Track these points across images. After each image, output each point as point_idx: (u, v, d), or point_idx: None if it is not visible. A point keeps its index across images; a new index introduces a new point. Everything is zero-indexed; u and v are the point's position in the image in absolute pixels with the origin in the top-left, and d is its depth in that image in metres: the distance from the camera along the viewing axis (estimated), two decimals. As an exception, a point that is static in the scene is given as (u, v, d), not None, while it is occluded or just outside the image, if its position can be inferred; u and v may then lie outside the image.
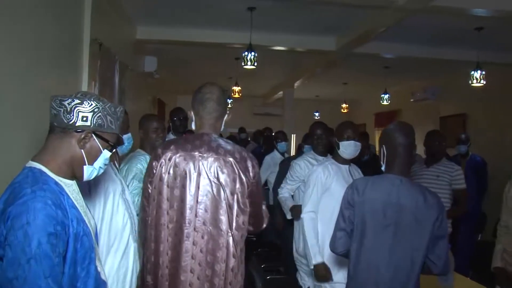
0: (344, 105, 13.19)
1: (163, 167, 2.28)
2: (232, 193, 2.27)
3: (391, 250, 2.53)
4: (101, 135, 1.73)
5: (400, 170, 2.54)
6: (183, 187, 2.26)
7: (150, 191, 2.33)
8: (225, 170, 2.27)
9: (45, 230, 1.49)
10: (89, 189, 2.50)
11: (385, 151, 2.58)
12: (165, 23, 6.96)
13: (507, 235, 3.44)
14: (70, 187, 1.72)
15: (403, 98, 11.26)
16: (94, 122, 1.69)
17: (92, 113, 1.68)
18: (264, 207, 2.47)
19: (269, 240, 6.17)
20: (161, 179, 2.28)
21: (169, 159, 2.28)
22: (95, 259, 1.74)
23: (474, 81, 6.75)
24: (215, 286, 2.20)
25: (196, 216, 2.24)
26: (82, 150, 1.71)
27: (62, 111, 1.66)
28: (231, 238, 2.24)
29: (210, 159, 2.28)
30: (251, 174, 2.33)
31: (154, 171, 2.31)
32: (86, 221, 1.73)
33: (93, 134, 1.71)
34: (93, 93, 1.77)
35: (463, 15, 5.73)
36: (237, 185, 2.27)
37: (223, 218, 2.25)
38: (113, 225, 2.57)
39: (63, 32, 3.97)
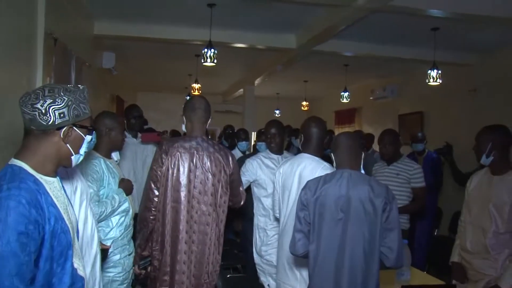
0: (304, 103, 13.28)
1: (170, 160, 3.06)
2: (219, 181, 3.11)
3: (344, 244, 2.58)
4: (80, 124, 1.80)
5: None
6: (184, 176, 3.07)
7: (158, 177, 3.07)
8: (214, 164, 3.11)
9: (16, 229, 1.53)
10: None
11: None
12: (124, 18, 6.84)
13: (463, 231, 3.55)
14: (52, 184, 1.75)
15: (363, 96, 11.42)
16: (72, 115, 1.74)
17: (67, 108, 1.72)
18: (241, 188, 3.33)
19: (227, 238, 6.18)
20: (168, 169, 3.06)
21: (174, 155, 3.06)
22: (72, 255, 1.78)
23: (431, 80, 6.90)
24: (206, 244, 3.07)
25: (193, 197, 3.06)
26: (68, 144, 1.77)
27: (37, 114, 1.68)
28: (215, 212, 3.09)
29: (205, 155, 3.11)
30: (231, 166, 3.18)
31: (163, 162, 3.07)
32: (66, 219, 1.75)
33: (74, 127, 1.78)
34: (56, 84, 1.78)
35: (420, 16, 5.84)
36: (222, 175, 3.12)
37: (211, 198, 3.09)
38: (84, 235, 2.49)
39: (15, 26, 3.82)
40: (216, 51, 6.49)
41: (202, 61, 6.60)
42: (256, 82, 11.44)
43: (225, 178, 3.15)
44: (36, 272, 1.63)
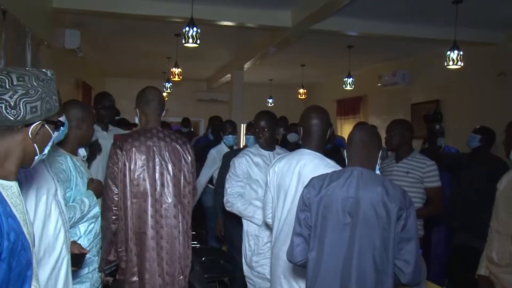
0: (301, 90, 13.19)
1: (125, 155, 3.36)
2: (180, 170, 3.47)
3: (351, 253, 2.57)
4: (50, 120, 1.74)
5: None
6: (143, 170, 3.39)
7: (116, 174, 3.36)
8: (173, 153, 3.46)
9: None
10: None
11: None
12: (90, -11, 6.74)
13: (491, 240, 3.48)
14: (9, 189, 1.66)
15: (369, 82, 11.41)
16: (44, 109, 1.68)
17: (40, 101, 1.66)
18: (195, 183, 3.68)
19: (210, 246, 6.30)
20: (124, 164, 3.35)
21: (129, 149, 3.36)
22: (31, 277, 1.68)
23: (450, 62, 6.80)
24: (176, 238, 3.43)
25: (155, 190, 3.40)
26: (35, 143, 1.71)
27: (3, 107, 1.58)
28: (180, 204, 3.46)
29: (161, 146, 3.44)
30: (191, 154, 3.56)
31: (119, 157, 3.36)
32: (25, 232, 1.67)
33: (45, 123, 1.72)
34: (22, 69, 1.68)
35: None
36: (182, 163, 3.49)
37: (174, 189, 3.44)
38: (44, 234, 2.43)
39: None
40: (199, 30, 6.38)
41: (183, 41, 6.50)
42: (246, 66, 11.41)
43: (187, 167, 3.52)
44: None
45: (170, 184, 3.43)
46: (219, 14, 7.38)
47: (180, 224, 3.44)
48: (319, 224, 2.67)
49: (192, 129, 11.52)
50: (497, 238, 3.38)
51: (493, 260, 3.38)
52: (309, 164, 3.28)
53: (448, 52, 6.81)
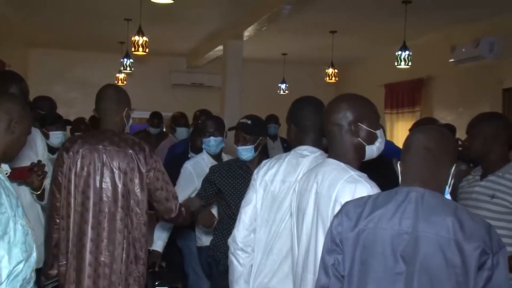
0: (330, 70, 13.08)
1: (71, 159, 4.19)
2: (131, 180, 4.21)
3: None
4: None
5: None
6: (89, 175, 4.18)
7: (60, 179, 4.24)
8: (126, 161, 4.21)
9: None
10: None
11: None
12: None
13: None
14: None
15: (436, 56, 11.47)
16: None
17: None
18: (172, 195, 4.46)
19: None
20: (70, 169, 4.18)
21: (77, 152, 4.19)
22: None
23: None
24: (117, 256, 4.17)
25: (100, 199, 4.17)
26: None
27: None
28: (128, 217, 4.22)
29: (113, 151, 4.20)
30: (149, 162, 4.30)
31: (64, 161, 4.21)
32: None
33: None
34: None
35: None
36: (135, 173, 4.23)
37: (122, 200, 4.20)
38: None
39: None
40: (174, -22, 6.45)
41: (150, -5, 6.57)
42: (246, 34, 11.45)
43: (140, 177, 4.27)
44: None
45: (118, 195, 4.20)
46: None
47: (125, 239, 4.22)
48: (356, 273, 2.66)
49: (164, 129, 11.54)
50: None
51: None
52: (326, 179, 3.25)
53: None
